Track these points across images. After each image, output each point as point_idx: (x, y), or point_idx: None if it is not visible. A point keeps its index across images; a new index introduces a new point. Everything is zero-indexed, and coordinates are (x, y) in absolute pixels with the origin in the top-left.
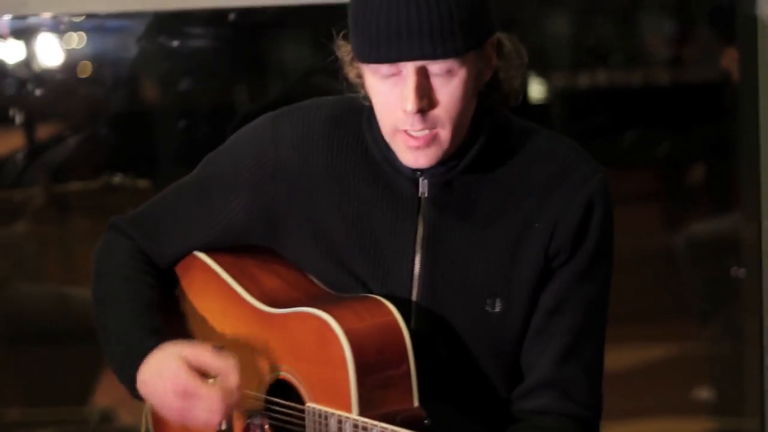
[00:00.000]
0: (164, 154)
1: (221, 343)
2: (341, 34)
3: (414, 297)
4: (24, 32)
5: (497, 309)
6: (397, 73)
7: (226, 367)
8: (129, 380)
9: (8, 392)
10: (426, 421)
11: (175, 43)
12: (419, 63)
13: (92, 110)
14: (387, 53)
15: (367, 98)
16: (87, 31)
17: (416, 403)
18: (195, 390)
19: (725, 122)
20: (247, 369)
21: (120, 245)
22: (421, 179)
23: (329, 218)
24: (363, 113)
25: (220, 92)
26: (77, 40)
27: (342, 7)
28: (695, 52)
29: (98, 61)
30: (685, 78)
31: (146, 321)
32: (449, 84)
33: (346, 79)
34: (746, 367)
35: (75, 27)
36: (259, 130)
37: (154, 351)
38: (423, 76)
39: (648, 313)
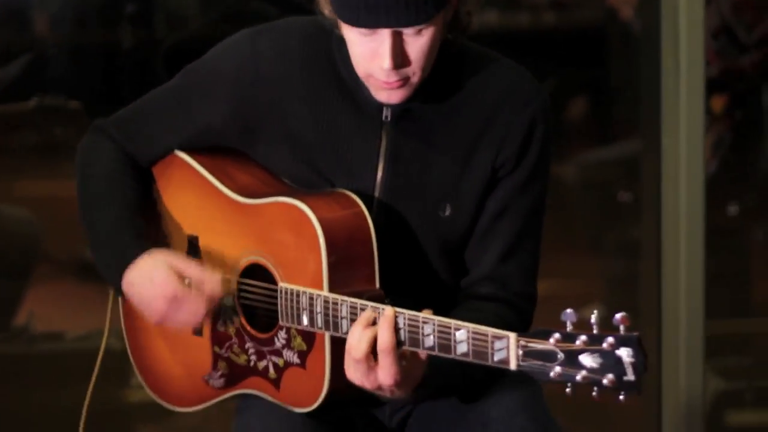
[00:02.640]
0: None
1: (197, 232)
2: None
3: (376, 197)
4: None
5: (447, 213)
6: (373, 33)
7: (210, 277)
8: (116, 280)
9: None
10: (386, 300)
11: None
12: (394, 28)
13: (28, 35)
14: (366, 20)
15: (336, 27)
16: None
17: (378, 285)
18: (183, 296)
19: (618, 59)
20: (221, 255)
21: (104, 147)
22: (384, 105)
23: (301, 125)
24: (333, 35)
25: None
26: None
27: None
28: None
29: None
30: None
31: (133, 224)
32: (420, 40)
33: (321, 14)
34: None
35: None
36: (238, 45)
37: (144, 256)
38: (397, 37)
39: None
